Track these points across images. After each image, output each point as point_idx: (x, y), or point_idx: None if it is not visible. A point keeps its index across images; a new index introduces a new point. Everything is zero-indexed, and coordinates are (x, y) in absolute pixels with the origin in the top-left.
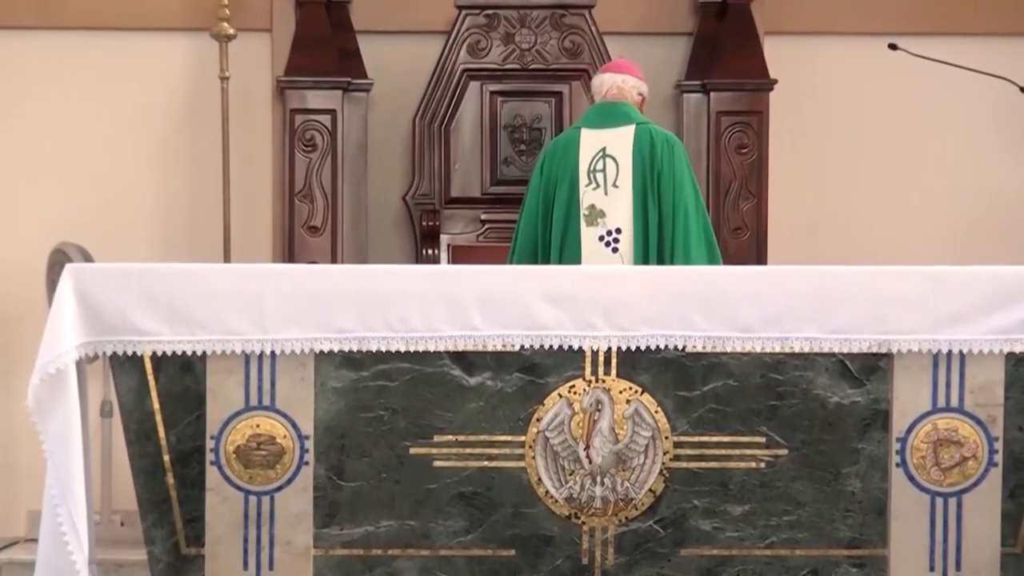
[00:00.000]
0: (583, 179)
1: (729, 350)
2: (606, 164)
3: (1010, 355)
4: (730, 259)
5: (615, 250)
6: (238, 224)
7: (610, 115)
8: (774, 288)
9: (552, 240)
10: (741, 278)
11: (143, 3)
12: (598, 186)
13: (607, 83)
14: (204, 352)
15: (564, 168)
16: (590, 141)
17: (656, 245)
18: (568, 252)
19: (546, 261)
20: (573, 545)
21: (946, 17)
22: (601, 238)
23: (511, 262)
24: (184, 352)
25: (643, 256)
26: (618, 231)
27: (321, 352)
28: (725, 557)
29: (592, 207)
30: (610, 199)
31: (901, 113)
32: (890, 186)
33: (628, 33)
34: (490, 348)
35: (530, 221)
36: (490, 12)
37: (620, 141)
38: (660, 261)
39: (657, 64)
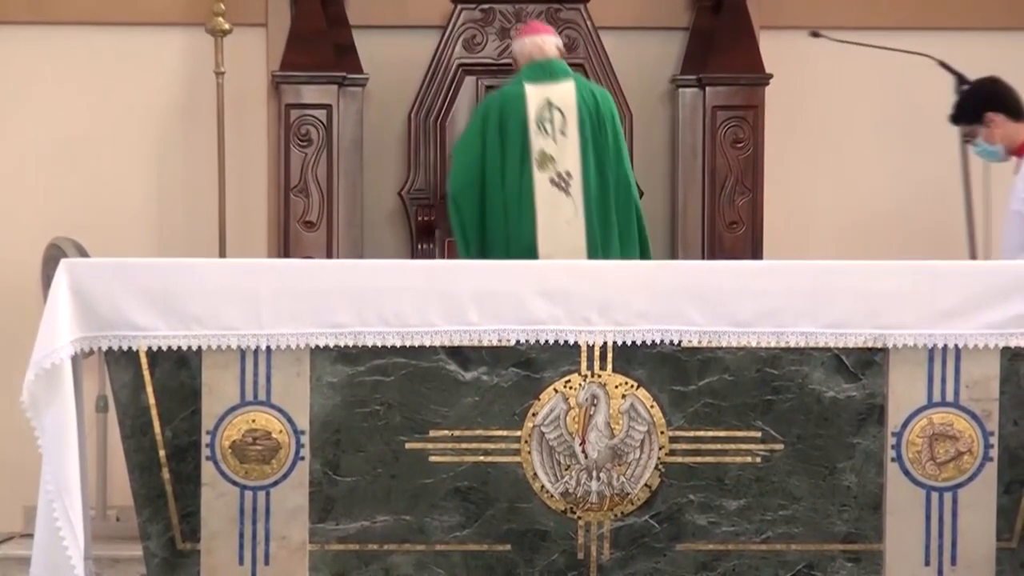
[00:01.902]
0: (532, 128)
1: (725, 345)
2: (553, 114)
3: (1005, 350)
4: (726, 254)
5: (567, 192)
6: (233, 219)
7: (547, 71)
8: (770, 283)
9: (507, 181)
10: (737, 273)
11: None
12: (547, 134)
13: (529, 45)
14: (200, 347)
15: (514, 119)
16: (535, 94)
17: (599, 186)
18: (524, 194)
19: (491, 201)
20: (569, 540)
21: (939, 12)
22: (552, 180)
23: (452, 191)
24: (180, 347)
25: (592, 197)
26: (568, 175)
27: (317, 347)
28: (721, 552)
29: (542, 152)
30: (559, 146)
31: (897, 107)
32: (886, 180)
33: (623, 28)
34: (486, 343)
35: (474, 160)
36: (485, 7)
37: (564, 94)
38: (605, 201)
39: (653, 59)
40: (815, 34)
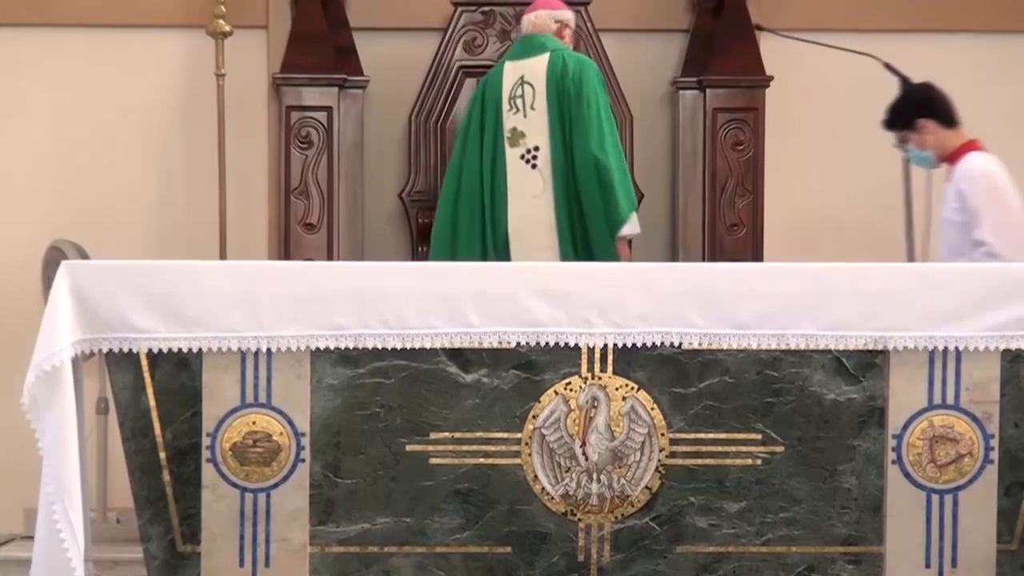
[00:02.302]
0: (505, 105)
1: (725, 347)
2: (524, 90)
3: (1006, 352)
4: (726, 256)
5: (534, 166)
6: (234, 221)
7: (528, 47)
8: (770, 285)
9: (484, 162)
10: (737, 275)
11: (138, 0)
12: (518, 111)
13: (524, 23)
14: (200, 349)
15: (491, 98)
16: (511, 71)
17: (565, 159)
18: (497, 173)
19: (470, 184)
20: (569, 542)
21: (940, 14)
22: (522, 156)
23: (449, 183)
24: (180, 349)
25: (558, 170)
26: (536, 148)
27: (317, 349)
28: (721, 554)
29: (513, 130)
30: (528, 121)
31: None
32: (887, 182)
33: (624, 30)
34: (486, 345)
35: (457, 146)
36: (486, 9)
37: (536, 68)
38: (572, 173)
39: (653, 61)
40: (758, 27)
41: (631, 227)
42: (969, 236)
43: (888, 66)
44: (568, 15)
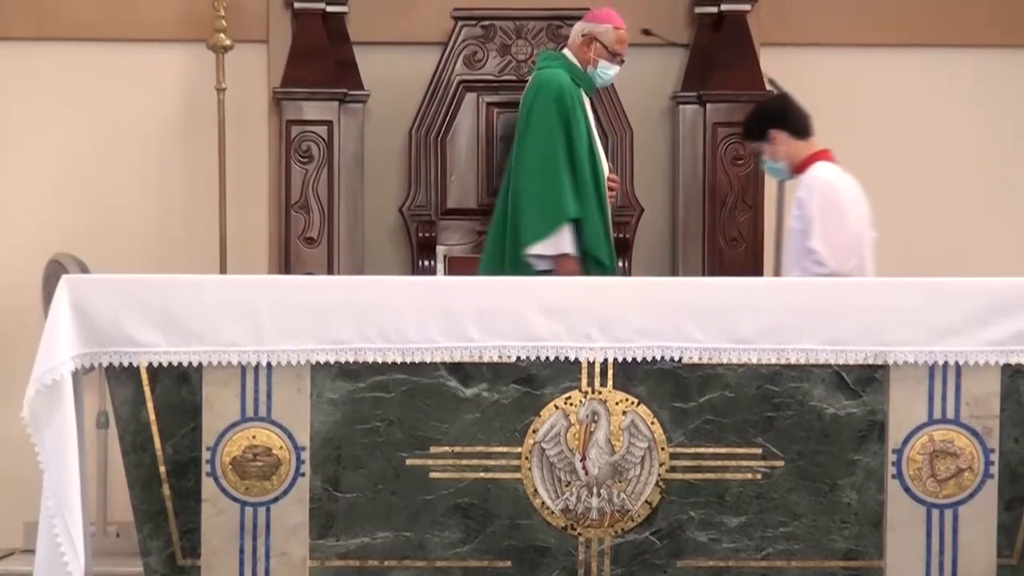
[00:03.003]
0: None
1: (725, 361)
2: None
3: (1006, 367)
4: (726, 270)
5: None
6: (234, 235)
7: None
8: (770, 300)
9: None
10: (737, 290)
11: (139, 14)
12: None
13: None
14: (200, 363)
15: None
16: None
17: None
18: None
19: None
20: (569, 556)
21: (940, 29)
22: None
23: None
24: (180, 363)
25: (503, 189)
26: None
27: (317, 363)
28: (721, 568)
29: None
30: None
31: (896, 124)
32: (886, 197)
33: None
34: (486, 359)
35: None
36: (486, 23)
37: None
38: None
39: (653, 76)
40: (646, 31)
41: (545, 247)
42: (804, 244)
43: (771, 81)
44: (600, 28)
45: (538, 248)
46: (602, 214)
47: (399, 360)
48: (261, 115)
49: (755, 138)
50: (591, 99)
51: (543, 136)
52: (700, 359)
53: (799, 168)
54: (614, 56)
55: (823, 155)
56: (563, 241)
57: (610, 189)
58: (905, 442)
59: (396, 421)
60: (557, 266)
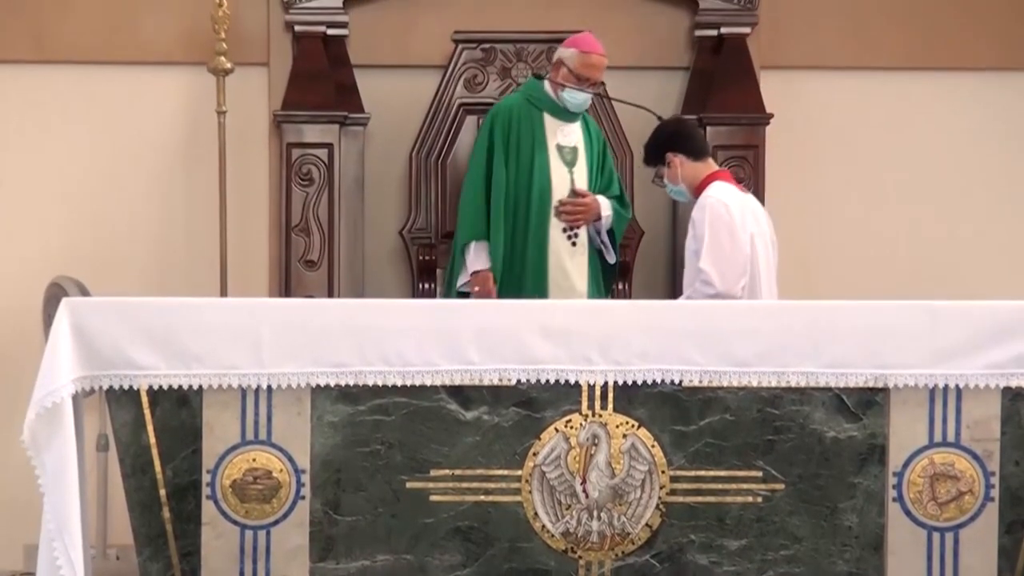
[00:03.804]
0: None
1: (725, 385)
2: None
3: (1006, 390)
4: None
5: None
6: (234, 258)
7: None
8: (770, 323)
9: None
10: (737, 313)
11: (140, 37)
12: None
13: None
14: (200, 386)
15: None
16: None
17: None
18: None
19: None
20: None
21: (939, 52)
22: None
23: None
24: (180, 386)
25: None
26: None
27: (317, 386)
28: None
29: None
30: None
31: (895, 146)
32: (886, 220)
33: (624, 67)
34: (486, 382)
35: None
36: (487, 46)
37: None
38: None
39: (653, 98)
40: (538, 76)
41: (471, 262)
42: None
43: (654, 113)
44: (567, 52)
45: (469, 260)
46: (518, 234)
47: (399, 383)
48: (261, 138)
49: (653, 162)
50: (584, 121)
51: (470, 160)
52: (700, 382)
53: (698, 190)
54: (580, 80)
55: (719, 176)
56: (471, 260)
57: (572, 212)
58: (906, 465)
59: (396, 444)
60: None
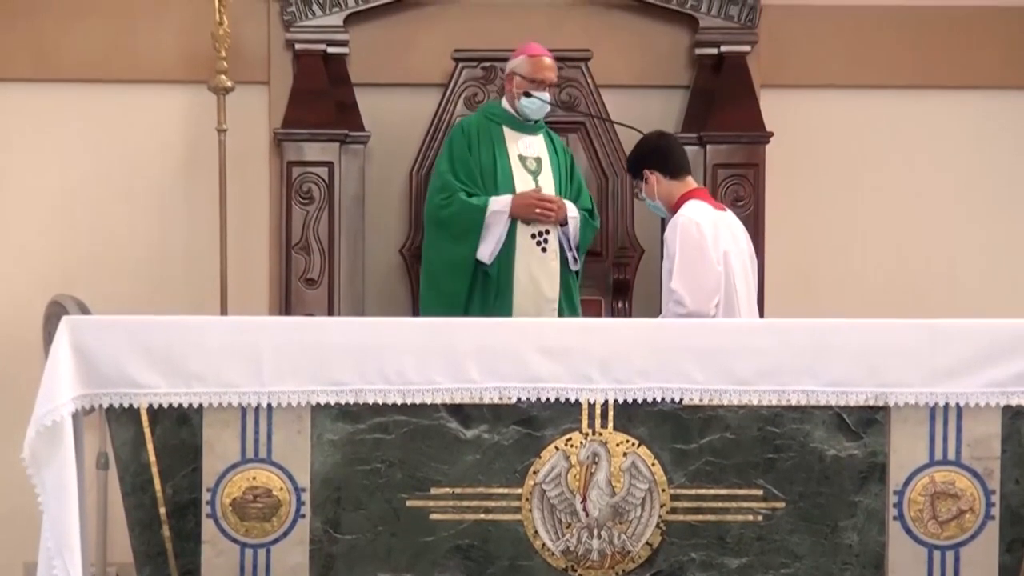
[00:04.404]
0: None
1: (726, 403)
2: None
3: (1007, 408)
4: None
5: None
6: (235, 276)
7: None
8: (771, 341)
9: None
10: (737, 331)
11: (140, 56)
12: None
13: None
14: (200, 404)
15: None
16: None
17: None
18: None
19: None
20: None
21: (940, 70)
22: None
23: None
24: (180, 404)
25: None
26: None
27: (318, 405)
28: None
29: None
30: None
31: (896, 165)
32: (886, 238)
33: (624, 86)
34: (487, 401)
35: None
36: (487, 64)
37: None
38: None
39: (654, 117)
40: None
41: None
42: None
43: (637, 129)
44: (515, 62)
45: None
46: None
47: (399, 401)
48: (262, 156)
49: (633, 176)
50: (548, 135)
51: (437, 168)
52: (700, 400)
53: (673, 208)
54: (535, 83)
55: (694, 194)
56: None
57: (543, 207)
58: (906, 483)
59: (396, 462)
60: None
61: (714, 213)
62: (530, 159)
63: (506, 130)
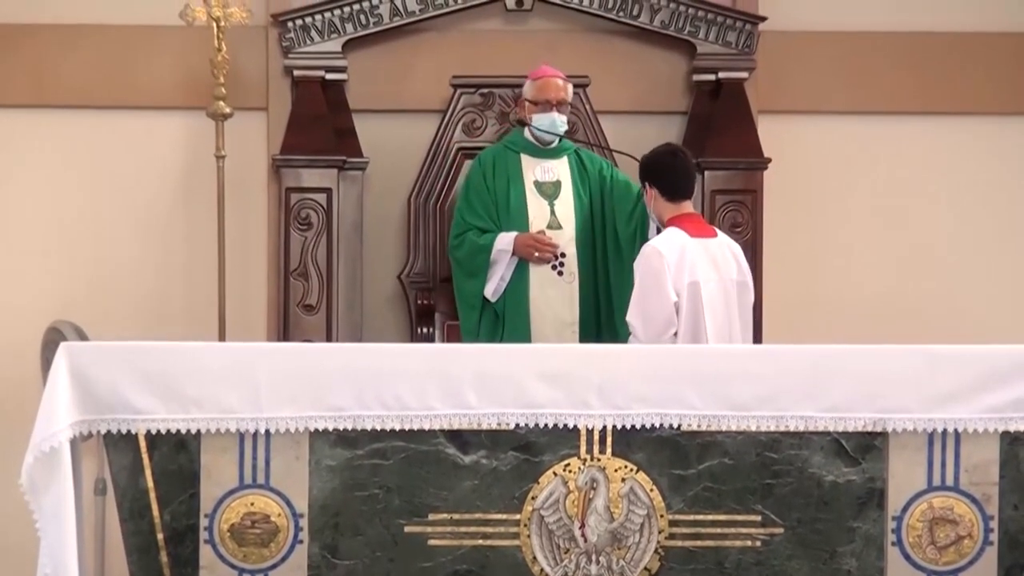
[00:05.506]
0: None
1: (724, 428)
2: None
3: (1005, 434)
4: None
5: None
6: (233, 302)
7: None
8: (769, 366)
9: None
10: (736, 356)
11: (139, 81)
12: None
13: None
14: (198, 430)
15: None
16: None
17: None
18: None
19: None
20: None
21: (939, 96)
22: None
23: None
24: (178, 430)
25: None
26: None
27: (316, 430)
28: None
29: None
30: None
31: (894, 191)
32: (885, 264)
33: (623, 112)
34: (485, 426)
35: None
36: (485, 91)
37: None
38: None
39: (652, 142)
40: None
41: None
42: None
43: (633, 157)
44: (523, 89)
45: None
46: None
47: (398, 427)
48: (260, 182)
49: (641, 183)
50: (577, 155)
51: (461, 196)
52: (699, 426)
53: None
54: (539, 104)
55: (679, 221)
56: (498, 243)
57: (538, 246)
58: (905, 509)
59: (394, 488)
60: None
61: (690, 241)
62: (547, 184)
63: (524, 158)
